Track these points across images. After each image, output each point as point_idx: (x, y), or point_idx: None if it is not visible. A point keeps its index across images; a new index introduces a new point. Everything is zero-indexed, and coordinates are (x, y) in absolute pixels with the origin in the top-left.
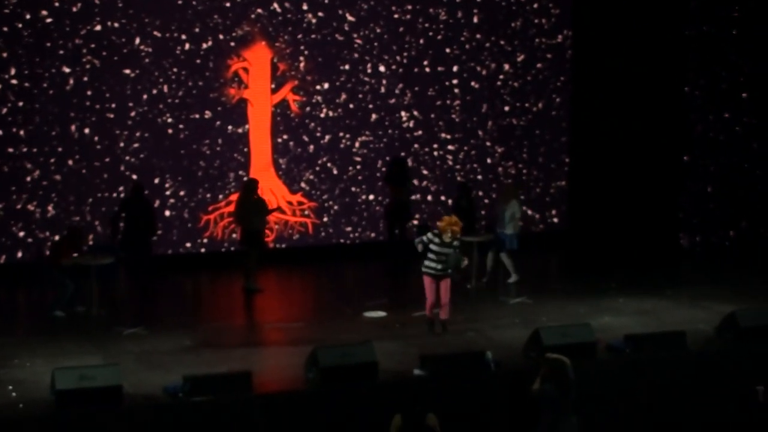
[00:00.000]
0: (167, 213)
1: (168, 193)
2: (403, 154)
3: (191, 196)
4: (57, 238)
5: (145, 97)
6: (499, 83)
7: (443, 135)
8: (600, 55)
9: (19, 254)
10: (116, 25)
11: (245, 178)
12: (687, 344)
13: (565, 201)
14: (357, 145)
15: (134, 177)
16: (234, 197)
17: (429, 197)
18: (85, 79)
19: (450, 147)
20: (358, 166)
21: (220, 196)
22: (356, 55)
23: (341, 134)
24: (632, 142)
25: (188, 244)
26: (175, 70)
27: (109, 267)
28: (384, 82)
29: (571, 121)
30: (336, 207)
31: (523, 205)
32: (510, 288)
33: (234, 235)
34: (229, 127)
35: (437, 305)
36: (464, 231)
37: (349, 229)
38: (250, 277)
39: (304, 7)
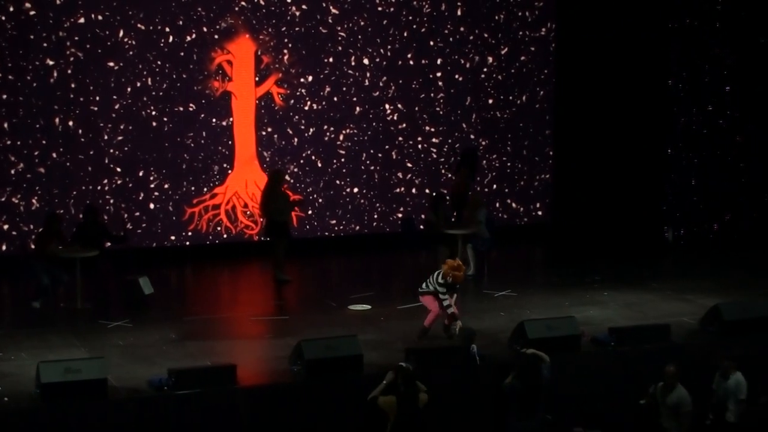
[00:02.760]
0: (151, 206)
1: (152, 185)
2: (387, 146)
3: (175, 189)
4: (39, 230)
5: (129, 89)
6: (482, 76)
7: (427, 128)
8: (584, 48)
9: (3, 247)
10: (100, 17)
11: (272, 169)
12: (671, 337)
13: (550, 194)
14: (341, 137)
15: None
16: (218, 190)
17: (413, 190)
18: (69, 71)
19: (434, 140)
20: (342, 159)
21: (205, 189)
22: (340, 48)
23: (325, 127)
24: (616, 135)
25: (172, 237)
26: (158, 62)
27: (94, 260)
28: (368, 74)
29: (555, 113)
30: (320, 200)
31: (508, 198)
32: (468, 279)
33: (218, 228)
34: (213, 120)
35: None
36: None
37: (333, 222)
38: (279, 268)
39: (288, 0)
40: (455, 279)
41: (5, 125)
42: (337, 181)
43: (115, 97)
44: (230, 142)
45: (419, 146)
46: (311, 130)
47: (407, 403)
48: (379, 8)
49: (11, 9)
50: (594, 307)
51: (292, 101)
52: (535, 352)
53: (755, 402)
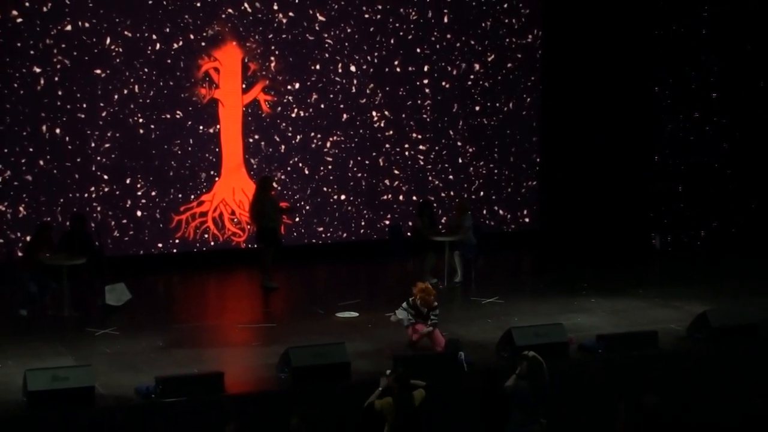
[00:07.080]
0: (139, 213)
1: (139, 193)
2: (374, 153)
3: (162, 197)
4: (29, 238)
5: (116, 97)
6: (469, 83)
7: (414, 135)
8: (570, 55)
9: None
10: (87, 25)
11: (260, 176)
12: (659, 344)
13: (537, 201)
14: (328, 145)
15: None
16: (205, 197)
17: (400, 197)
18: (56, 79)
19: (421, 147)
20: (330, 166)
21: (192, 197)
22: (327, 55)
23: (312, 134)
24: (603, 141)
25: (159, 245)
26: (145, 70)
27: (82, 268)
28: (355, 81)
29: (541, 120)
30: (308, 207)
31: (495, 205)
32: (455, 286)
33: (206, 236)
34: (201, 127)
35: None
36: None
37: (320, 229)
38: (267, 275)
39: (275, 7)
40: (424, 302)
41: None
42: (324, 188)
43: (102, 104)
44: (217, 150)
45: (406, 153)
46: (298, 137)
47: (404, 404)
48: (366, 15)
49: None
50: (581, 314)
51: (279, 108)
52: (535, 354)
53: (748, 403)
